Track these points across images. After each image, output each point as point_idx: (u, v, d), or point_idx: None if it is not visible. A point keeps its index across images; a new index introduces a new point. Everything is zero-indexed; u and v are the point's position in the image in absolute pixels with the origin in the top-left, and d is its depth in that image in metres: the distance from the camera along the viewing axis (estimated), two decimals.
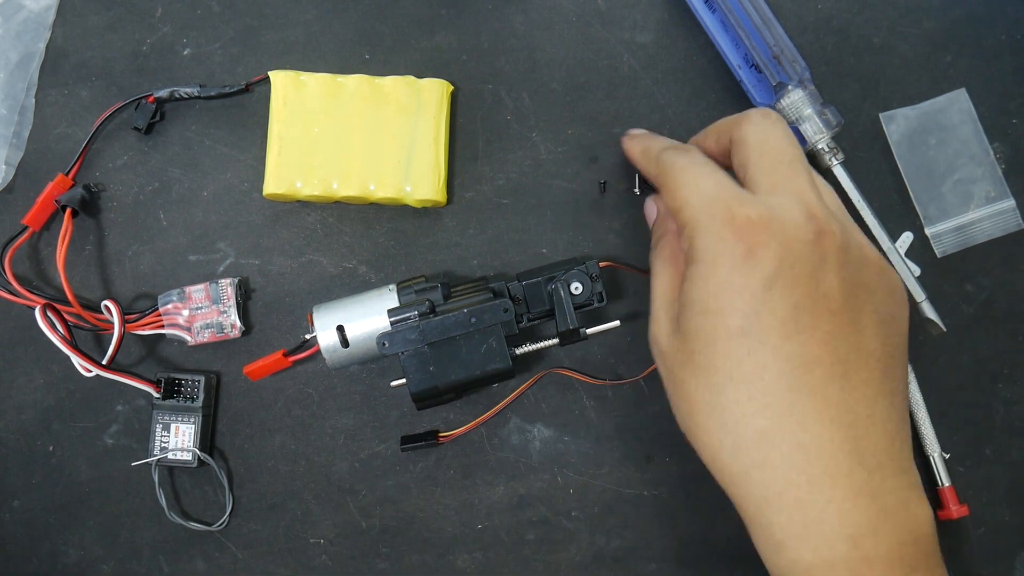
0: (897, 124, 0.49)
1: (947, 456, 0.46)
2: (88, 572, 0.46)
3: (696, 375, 0.35)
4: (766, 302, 0.33)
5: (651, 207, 0.44)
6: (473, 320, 0.41)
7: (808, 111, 0.45)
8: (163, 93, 0.47)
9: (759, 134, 0.37)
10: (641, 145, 0.43)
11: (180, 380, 0.46)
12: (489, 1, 0.49)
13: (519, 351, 0.43)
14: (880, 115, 0.49)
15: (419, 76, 0.47)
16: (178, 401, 0.45)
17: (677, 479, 0.46)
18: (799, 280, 0.33)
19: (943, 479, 0.46)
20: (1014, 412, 0.47)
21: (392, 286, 0.43)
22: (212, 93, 0.47)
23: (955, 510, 0.45)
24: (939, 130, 0.49)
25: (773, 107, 0.46)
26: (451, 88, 0.47)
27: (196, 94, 0.47)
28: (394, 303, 0.42)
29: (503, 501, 0.46)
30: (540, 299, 0.43)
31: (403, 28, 0.49)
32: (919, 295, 0.44)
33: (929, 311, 0.44)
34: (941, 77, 0.49)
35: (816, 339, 0.33)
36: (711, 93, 0.49)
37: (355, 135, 0.46)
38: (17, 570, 0.45)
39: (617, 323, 0.43)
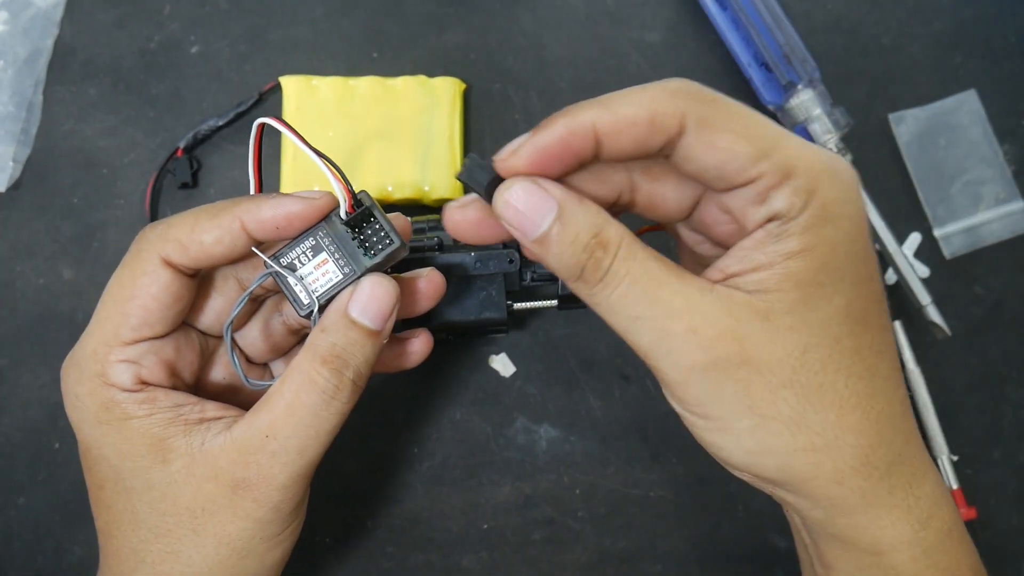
0: (906, 125, 0.48)
1: (955, 459, 0.46)
2: (93, 570, 0.45)
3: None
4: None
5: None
6: (478, 264, 0.41)
7: (817, 111, 0.45)
8: (187, 140, 0.47)
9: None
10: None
11: None
12: None
13: (517, 306, 0.43)
14: (889, 116, 0.48)
15: (428, 75, 0.47)
16: None
17: (683, 480, 0.46)
18: None
19: (951, 482, 0.45)
20: (1023, 415, 0.47)
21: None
22: (231, 117, 0.47)
23: (963, 513, 0.45)
24: (948, 131, 0.48)
25: (782, 107, 0.45)
26: (463, 86, 0.47)
27: (216, 126, 0.47)
28: None
29: (509, 501, 0.46)
30: None
31: (411, 27, 0.49)
32: (924, 298, 0.44)
33: (934, 315, 0.44)
34: (951, 78, 0.49)
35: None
36: (720, 92, 0.48)
37: (370, 137, 0.46)
38: (22, 567, 0.45)
39: None
